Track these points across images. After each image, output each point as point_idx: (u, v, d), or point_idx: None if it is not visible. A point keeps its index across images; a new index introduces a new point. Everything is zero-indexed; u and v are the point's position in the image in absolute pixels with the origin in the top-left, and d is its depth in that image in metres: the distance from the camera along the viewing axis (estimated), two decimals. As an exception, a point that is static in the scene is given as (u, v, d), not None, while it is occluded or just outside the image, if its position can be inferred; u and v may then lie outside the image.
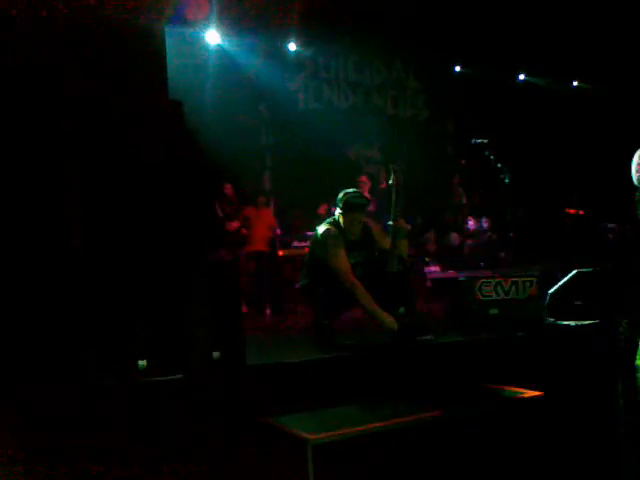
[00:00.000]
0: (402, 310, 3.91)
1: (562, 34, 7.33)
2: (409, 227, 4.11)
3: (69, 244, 3.21)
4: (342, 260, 3.94)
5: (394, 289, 4.02)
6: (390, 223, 4.03)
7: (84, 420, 2.67)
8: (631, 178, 4.54)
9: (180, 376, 2.97)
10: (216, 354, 3.16)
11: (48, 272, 3.01)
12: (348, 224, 4.08)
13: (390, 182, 4.09)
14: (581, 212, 6.53)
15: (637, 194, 4.20)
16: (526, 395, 3.16)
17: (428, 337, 3.88)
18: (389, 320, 3.86)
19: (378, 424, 2.68)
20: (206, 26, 6.60)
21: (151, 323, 3.02)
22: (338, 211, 4.13)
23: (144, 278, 3.09)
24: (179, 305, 3.09)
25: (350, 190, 4.20)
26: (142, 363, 2.90)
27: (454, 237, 6.92)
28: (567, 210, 6.56)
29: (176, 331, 3.05)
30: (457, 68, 8.51)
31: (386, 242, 4.12)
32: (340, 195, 4.14)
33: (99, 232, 3.23)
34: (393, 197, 4.05)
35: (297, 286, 4.46)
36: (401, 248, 4.07)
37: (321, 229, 4.09)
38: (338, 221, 4.13)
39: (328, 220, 4.20)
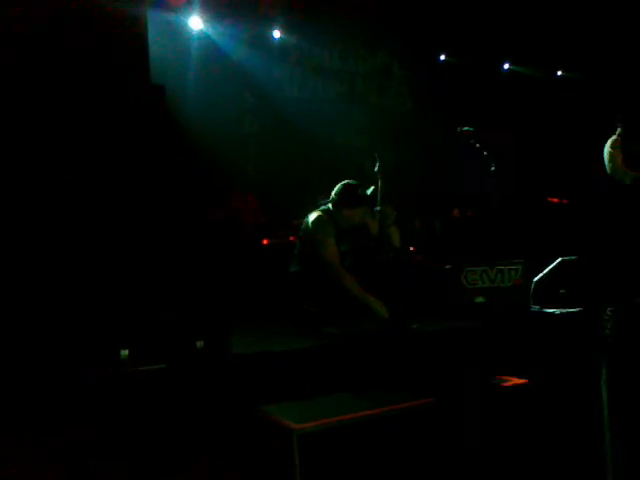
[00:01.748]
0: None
1: (547, 23, 7.35)
2: (395, 213, 4.09)
3: (48, 232, 3.15)
4: (330, 250, 3.90)
5: (385, 277, 4.01)
6: (377, 209, 4.01)
7: (64, 410, 2.63)
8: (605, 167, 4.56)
9: (163, 366, 2.93)
10: (200, 343, 3.13)
11: (26, 260, 2.95)
12: (345, 218, 4.00)
13: (376, 169, 4.06)
14: (565, 201, 6.57)
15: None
16: (511, 383, 3.17)
17: (414, 325, 3.87)
18: (380, 308, 3.85)
19: (364, 413, 2.67)
20: (189, 12, 6.50)
21: (133, 311, 2.97)
22: (332, 204, 4.05)
23: (125, 266, 3.05)
24: (162, 293, 3.05)
25: (352, 182, 4.10)
26: (124, 352, 2.86)
27: (439, 226, 6.93)
28: (550, 199, 6.60)
29: (159, 319, 3.01)
30: (442, 57, 8.48)
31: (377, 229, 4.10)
32: (340, 187, 4.04)
33: (77, 219, 3.17)
34: (380, 183, 4.03)
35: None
36: (393, 236, 4.05)
37: (312, 216, 4.04)
38: (330, 209, 4.08)
39: (320, 207, 4.15)
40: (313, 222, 3.97)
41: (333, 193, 4.09)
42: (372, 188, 4.13)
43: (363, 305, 3.87)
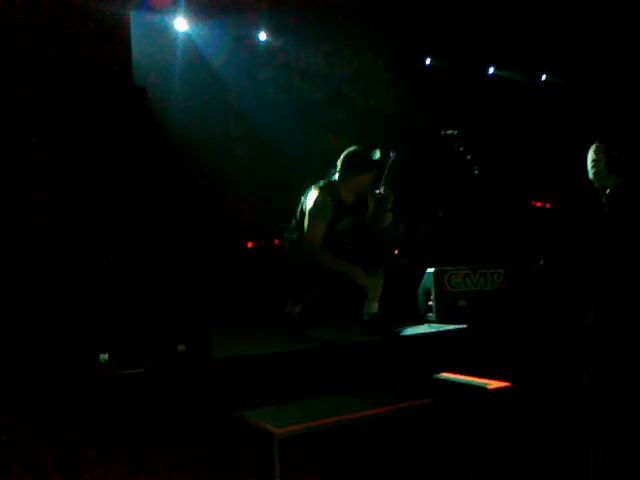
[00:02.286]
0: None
1: (531, 29, 7.39)
2: (393, 197, 4.10)
3: (29, 234, 3.11)
4: (316, 231, 3.90)
5: (373, 257, 4.02)
6: (378, 191, 3.99)
7: (41, 417, 2.59)
8: (587, 172, 4.61)
9: (143, 370, 2.90)
10: (181, 347, 3.10)
11: (5, 263, 2.91)
12: (354, 185, 4.00)
13: (391, 156, 4.02)
14: (547, 205, 6.61)
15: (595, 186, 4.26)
16: (493, 386, 3.18)
17: (398, 330, 3.88)
18: (360, 276, 3.84)
19: (345, 417, 2.66)
20: (174, 13, 6.46)
21: (113, 314, 2.94)
22: (337, 173, 4.03)
23: (105, 269, 3.01)
24: (142, 296, 3.02)
25: (359, 147, 4.09)
26: (104, 357, 2.82)
27: (423, 229, 6.94)
28: (533, 203, 6.63)
29: (139, 323, 2.98)
30: (427, 61, 8.51)
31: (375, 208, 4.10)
32: (348, 154, 4.02)
33: (57, 222, 3.13)
34: (386, 170, 4.01)
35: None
36: (386, 221, 4.06)
37: (312, 194, 4.01)
38: (334, 183, 4.05)
39: (323, 182, 4.10)
40: (311, 201, 3.97)
41: (339, 162, 4.04)
42: (378, 152, 4.07)
43: (343, 275, 3.85)
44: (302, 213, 4.04)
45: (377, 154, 4.00)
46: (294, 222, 4.13)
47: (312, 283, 3.95)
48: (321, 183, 4.05)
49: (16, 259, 2.96)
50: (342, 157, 4.04)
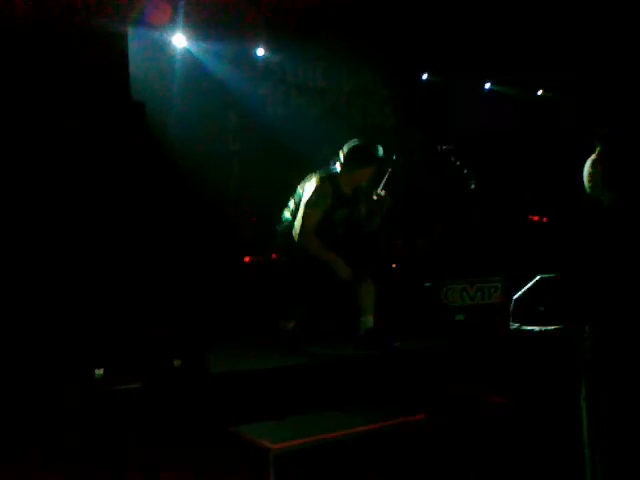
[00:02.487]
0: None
1: (527, 45, 7.45)
2: (390, 200, 4.13)
3: (23, 249, 3.11)
4: (312, 217, 3.93)
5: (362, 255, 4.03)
6: (377, 191, 4.02)
7: (35, 432, 2.57)
8: (584, 186, 4.62)
9: (139, 385, 2.89)
10: (177, 362, 3.09)
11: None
12: (355, 178, 4.05)
13: (394, 157, 4.06)
14: (544, 219, 6.62)
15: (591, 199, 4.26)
16: (491, 402, 3.16)
17: (396, 344, 3.87)
18: (344, 269, 3.85)
19: (340, 432, 2.65)
20: (173, 29, 6.51)
21: (108, 329, 2.93)
22: (340, 165, 4.05)
23: (101, 285, 3.01)
24: (138, 310, 3.02)
25: (362, 142, 4.14)
26: (99, 372, 2.81)
27: (419, 242, 6.94)
28: (530, 217, 6.65)
29: (135, 337, 2.98)
30: (425, 76, 8.56)
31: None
32: (352, 147, 4.02)
33: (53, 237, 3.14)
34: (387, 175, 4.05)
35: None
36: (374, 222, 4.08)
37: (312, 182, 4.05)
38: (335, 174, 4.08)
39: (324, 172, 4.13)
40: (311, 188, 4.01)
41: (343, 154, 4.08)
42: (381, 149, 4.16)
43: (327, 266, 3.83)
44: (298, 203, 4.08)
45: (380, 150, 4.09)
46: (287, 214, 4.16)
47: (302, 296, 3.95)
48: (322, 172, 4.11)
49: (12, 274, 2.96)
50: (346, 149, 4.12)
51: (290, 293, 4.03)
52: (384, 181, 4.09)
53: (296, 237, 3.87)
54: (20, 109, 3.61)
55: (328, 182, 4.03)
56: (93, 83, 3.63)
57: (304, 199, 3.99)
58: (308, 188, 4.01)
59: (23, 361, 2.90)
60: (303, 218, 3.91)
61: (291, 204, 4.14)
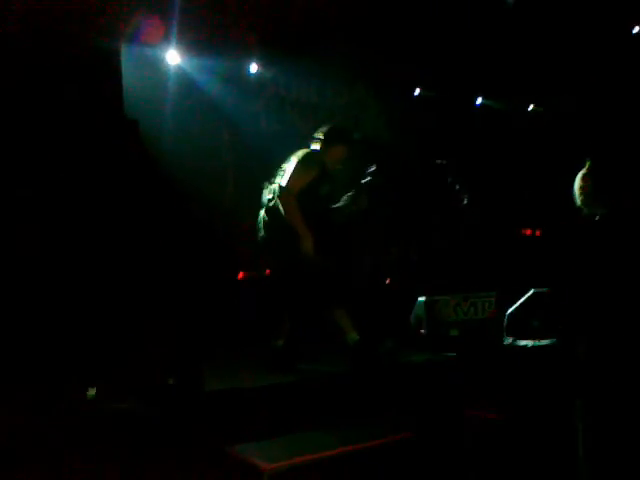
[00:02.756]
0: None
1: (518, 61, 7.53)
2: (366, 205, 4.17)
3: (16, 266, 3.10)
4: (297, 181, 3.99)
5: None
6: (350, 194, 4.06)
7: (26, 454, 2.55)
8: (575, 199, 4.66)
9: (132, 404, 2.87)
10: (171, 380, 3.07)
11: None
12: (334, 154, 4.16)
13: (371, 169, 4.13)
14: (537, 233, 6.65)
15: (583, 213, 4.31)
16: (484, 417, 3.16)
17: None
18: (308, 244, 3.87)
19: (335, 451, 2.64)
20: (166, 46, 6.54)
21: (101, 347, 2.92)
22: (320, 143, 4.11)
23: (94, 300, 3.00)
24: (131, 328, 3.00)
25: (341, 124, 4.40)
26: (91, 391, 2.79)
27: (414, 255, 6.96)
28: (523, 231, 6.67)
29: (128, 356, 2.96)
30: (417, 91, 8.63)
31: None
32: (329, 126, 4.26)
33: (49, 254, 3.13)
34: (365, 181, 4.11)
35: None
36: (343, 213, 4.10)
37: (299, 153, 4.13)
38: (318, 151, 4.16)
39: (309, 150, 4.20)
40: (300, 156, 4.07)
41: (322, 133, 4.23)
42: (357, 134, 4.36)
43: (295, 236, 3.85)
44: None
45: (357, 135, 4.22)
46: (268, 195, 4.18)
47: (287, 305, 3.95)
48: (307, 149, 4.20)
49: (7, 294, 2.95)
50: (325, 128, 4.24)
51: (276, 304, 4.04)
52: (363, 187, 4.17)
53: (279, 198, 3.90)
54: (13, 125, 3.61)
55: (316, 155, 4.15)
56: (87, 101, 3.64)
57: (291, 166, 4.06)
58: (294, 159, 4.10)
59: (15, 381, 2.87)
60: (290, 179, 3.98)
61: (272, 186, 4.18)
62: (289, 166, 4.06)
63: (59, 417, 2.67)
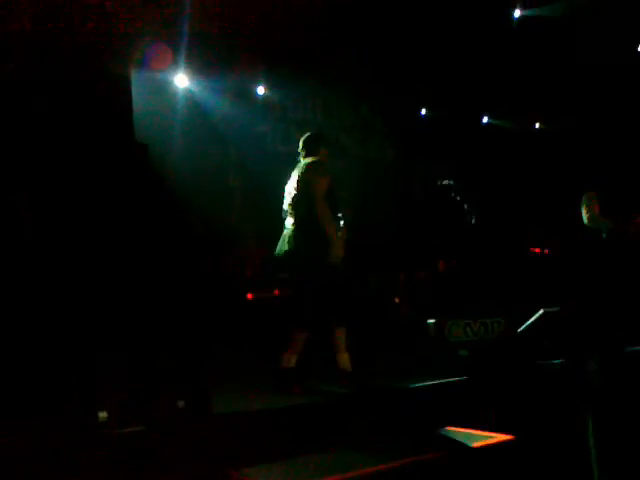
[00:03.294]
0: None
1: (523, 81, 7.57)
2: (345, 236, 4.18)
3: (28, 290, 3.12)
4: (322, 185, 4.06)
5: None
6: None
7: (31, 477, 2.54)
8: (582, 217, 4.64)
9: (142, 428, 2.86)
10: (181, 403, 3.07)
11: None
12: (325, 159, 4.23)
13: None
14: (546, 251, 6.63)
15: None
16: (497, 440, 3.13)
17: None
18: (339, 250, 3.91)
19: (343, 475, 2.62)
20: (175, 70, 6.63)
21: (111, 370, 2.92)
22: (309, 152, 4.22)
23: (104, 324, 3.01)
24: (141, 351, 3.01)
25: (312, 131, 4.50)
26: (102, 415, 2.79)
27: (422, 276, 6.95)
28: (532, 249, 6.66)
29: (138, 379, 2.96)
30: (423, 111, 8.68)
31: None
32: (307, 136, 4.34)
33: (60, 276, 3.16)
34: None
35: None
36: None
37: (308, 160, 4.17)
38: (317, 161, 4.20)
39: (309, 160, 4.22)
40: (311, 163, 4.13)
41: (306, 143, 4.30)
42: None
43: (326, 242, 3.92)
44: (299, 188, 4.15)
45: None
46: (290, 203, 4.21)
47: (303, 325, 3.96)
48: (307, 160, 4.23)
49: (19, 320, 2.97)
50: (304, 139, 4.35)
51: (291, 321, 4.05)
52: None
53: (315, 205, 3.94)
54: (25, 149, 3.65)
55: (317, 162, 4.20)
56: (98, 127, 3.69)
57: (302, 176, 4.10)
58: (309, 164, 4.15)
59: (26, 402, 2.88)
60: (314, 188, 4.00)
61: (292, 193, 4.22)
62: (305, 177, 4.08)
63: (67, 440, 2.67)
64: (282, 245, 4.16)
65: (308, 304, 3.96)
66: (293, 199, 4.16)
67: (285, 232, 4.19)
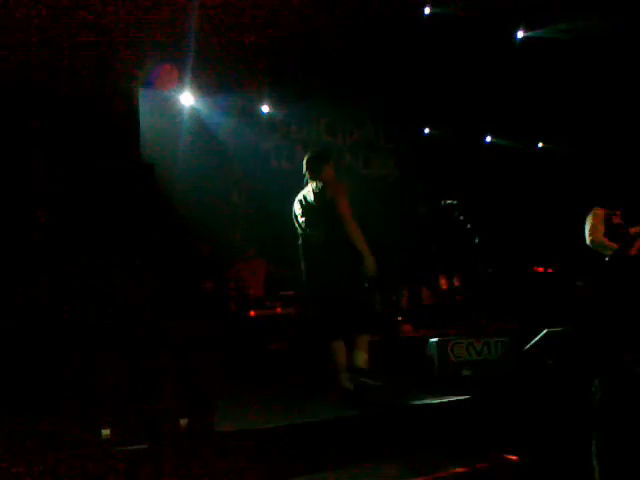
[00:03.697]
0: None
1: (526, 100, 7.62)
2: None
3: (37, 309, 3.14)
4: (347, 202, 4.12)
5: None
6: None
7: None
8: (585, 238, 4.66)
9: (145, 446, 2.86)
10: (184, 421, 3.07)
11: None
12: (328, 174, 4.34)
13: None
14: (549, 270, 6.63)
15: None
16: (501, 460, 3.11)
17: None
18: (372, 264, 4.02)
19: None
20: (180, 89, 6.71)
21: (114, 388, 2.92)
22: (314, 174, 4.30)
23: (107, 340, 3.02)
24: (144, 369, 3.01)
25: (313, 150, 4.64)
26: (105, 432, 2.79)
27: (425, 295, 6.94)
28: (535, 268, 6.65)
29: (141, 397, 2.96)
30: (426, 130, 8.73)
31: None
32: (309, 156, 4.43)
33: (65, 294, 3.17)
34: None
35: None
36: None
37: (316, 184, 4.25)
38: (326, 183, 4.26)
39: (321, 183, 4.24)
40: (329, 179, 4.20)
41: (307, 167, 4.37)
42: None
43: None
44: (312, 208, 4.21)
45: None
46: (304, 222, 4.26)
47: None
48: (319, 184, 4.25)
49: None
50: (307, 160, 4.43)
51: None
52: None
53: (347, 224, 4.00)
54: (29, 176, 3.69)
55: (329, 183, 4.25)
56: (105, 148, 3.73)
57: (321, 195, 4.15)
58: (327, 180, 4.20)
59: (27, 421, 2.88)
60: (342, 206, 4.04)
61: (305, 212, 4.27)
62: (313, 196, 4.15)
63: (73, 457, 2.67)
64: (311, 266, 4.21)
65: (344, 316, 4.02)
66: (313, 220, 4.15)
67: (305, 252, 4.22)
